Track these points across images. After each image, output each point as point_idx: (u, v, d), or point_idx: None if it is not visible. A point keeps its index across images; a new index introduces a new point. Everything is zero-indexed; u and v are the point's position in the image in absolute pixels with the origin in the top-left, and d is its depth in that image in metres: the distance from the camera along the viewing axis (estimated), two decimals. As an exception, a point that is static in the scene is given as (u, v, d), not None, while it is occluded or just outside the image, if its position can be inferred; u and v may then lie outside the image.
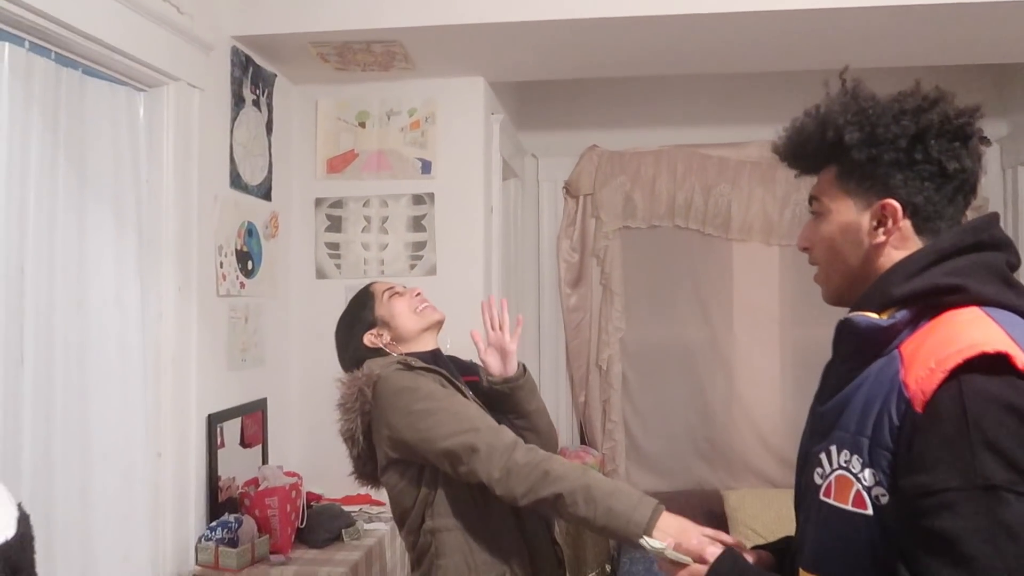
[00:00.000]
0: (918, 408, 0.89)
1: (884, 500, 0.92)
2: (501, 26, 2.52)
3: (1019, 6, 2.33)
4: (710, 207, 3.74)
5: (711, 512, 3.47)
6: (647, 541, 1.22)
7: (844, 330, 1.03)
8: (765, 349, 3.76)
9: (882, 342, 0.99)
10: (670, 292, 3.82)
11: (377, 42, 2.63)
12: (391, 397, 1.55)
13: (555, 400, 3.90)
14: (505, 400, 1.73)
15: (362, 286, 1.86)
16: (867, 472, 0.94)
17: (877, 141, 1.03)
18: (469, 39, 2.64)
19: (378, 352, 1.72)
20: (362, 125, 3.04)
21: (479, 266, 2.98)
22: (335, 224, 3.03)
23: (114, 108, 2.07)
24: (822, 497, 1.00)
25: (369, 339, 1.73)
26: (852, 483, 0.95)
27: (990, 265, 1.01)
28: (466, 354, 1.88)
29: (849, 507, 0.95)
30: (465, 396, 1.63)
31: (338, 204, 3.03)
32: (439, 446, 1.49)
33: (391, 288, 1.79)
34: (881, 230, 1.04)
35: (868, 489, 0.94)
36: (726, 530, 3.31)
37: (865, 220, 1.06)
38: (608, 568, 3.52)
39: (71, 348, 1.92)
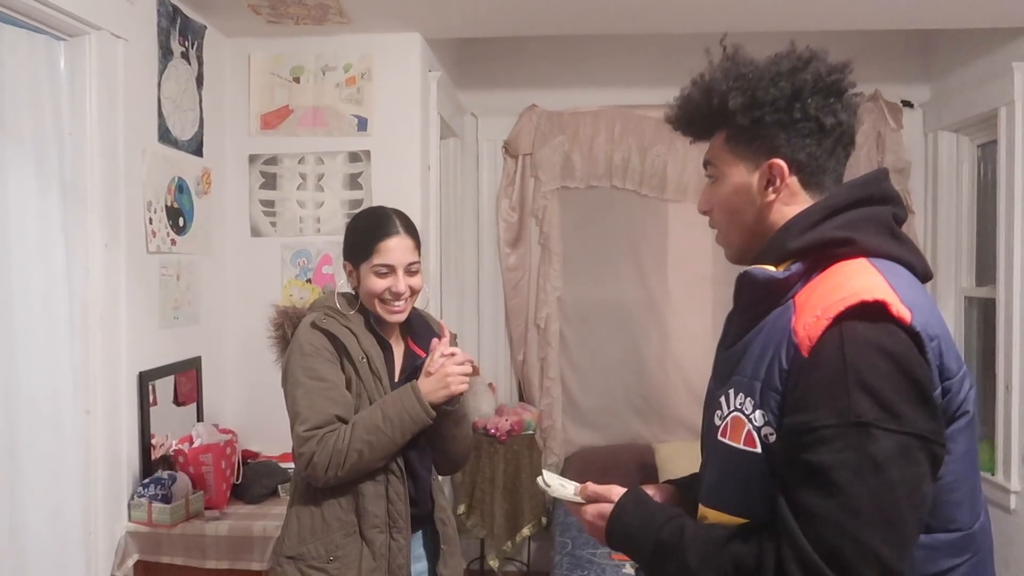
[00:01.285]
0: (804, 353, 0.95)
1: (772, 439, 0.99)
2: (436, -19, 2.50)
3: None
4: (647, 168, 3.80)
5: (643, 464, 3.60)
6: (543, 480, 1.26)
7: (743, 282, 1.09)
8: (698, 307, 3.87)
9: (778, 293, 1.05)
10: (607, 252, 3.89)
11: (309, -6, 2.59)
12: (292, 348, 1.73)
13: (494, 358, 3.96)
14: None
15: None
16: (758, 413, 1.00)
17: (759, 104, 1.07)
18: (404, -7, 2.61)
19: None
20: (296, 80, 2.99)
21: (416, 224, 2.97)
22: (270, 181, 3.00)
23: (33, 57, 2.00)
24: (719, 437, 1.06)
25: (347, 267, 1.79)
26: (744, 423, 1.02)
27: (877, 218, 1.07)
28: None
29: (740, 446, 1.02)
30: (348, 370, 1.71)
31: (272, 161, 2.99)
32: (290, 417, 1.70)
33: (386, 267, 1.72)
34: (770, 189, 1.09)
35: (758, 429, 1.00)
36: (657, 481, 3.47)
37: (755, 180, 1.11)
38: (544, 520, 3.63)
39: (-8, 303, 1.88)
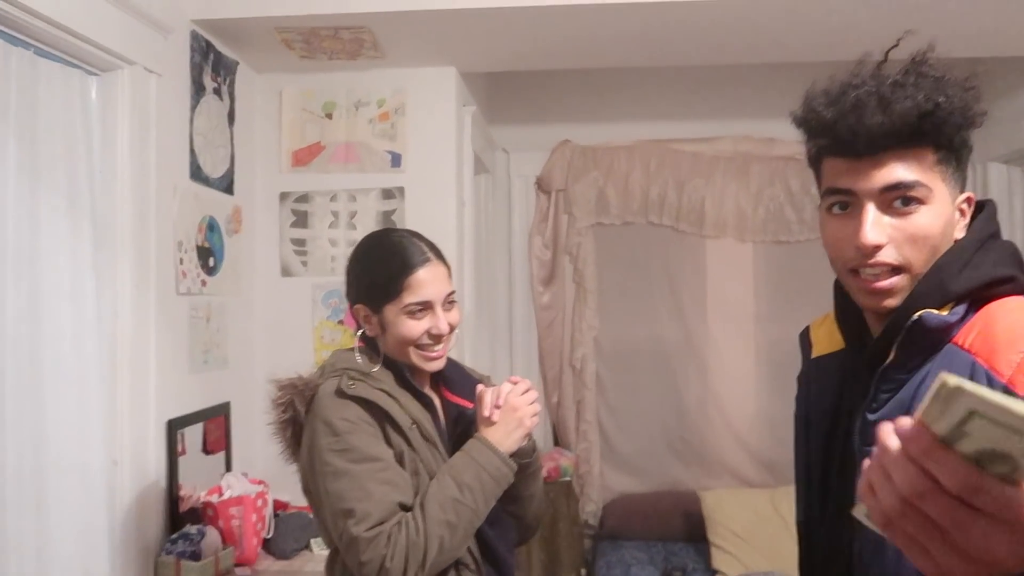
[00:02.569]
0: (1021, 392, 0.84)
1: None
2: (473, 12, 2.43)
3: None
4: (684, 203, 3.69)
5: (688, 512, 3.42)
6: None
7: (916, 331, 0.93)
8: (739, 346, 3.73)
9: (940, 339, 0.93)
10: (644, 289, 3.76)
11: (345, 28, 2.52)
12: (316, 430, 1.36)
13: (528, 400, 3.82)
14: None
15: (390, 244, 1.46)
16: None
17: (972, 126, 0.95)
18: (440, 26, 2.54)
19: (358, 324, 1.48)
20: (329, 116, 2.92)
21: (451, 263, 2.87)
22: (301, 219, 2.91)
23: (67, 91, 1.93)
24: None
25: (361, 312, 1.46)
26: None
27: (1014, 252, 0.99)
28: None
29: None
30: (397, 443, 1.37)
31: (304, 198, 2.91)
32: (327, 513, 1.34)
33: (421, 304, 1.40)
34: (962, 224, 0.99)
35: None
36: (704, 532, 3.30)
37: (956, 215, 0.98)
38: (583, 572, 3.45)
39: (22, 344, 1.77)
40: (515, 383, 1.44)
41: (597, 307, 3.73)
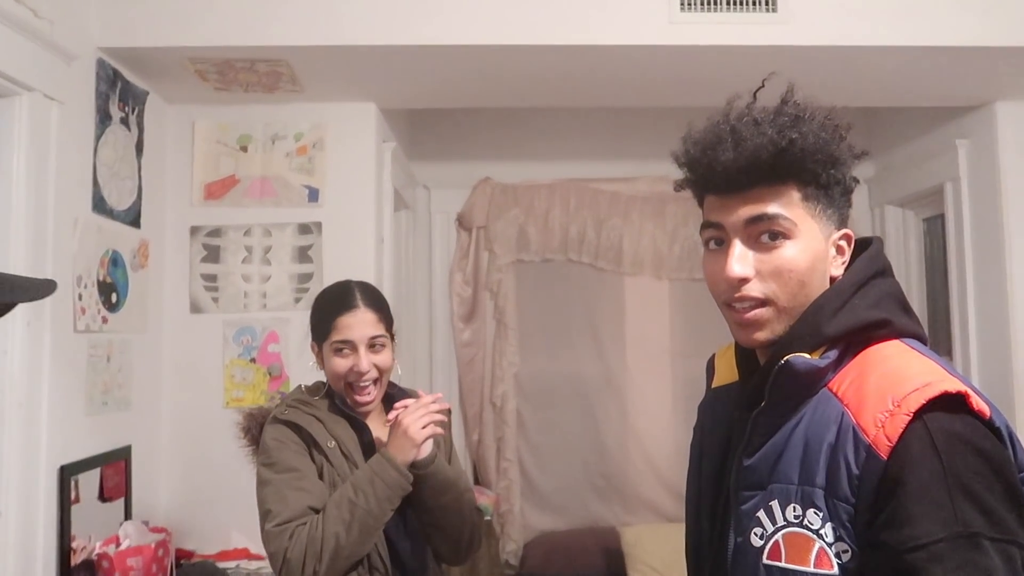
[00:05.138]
0: (883, 455, 0.83)
1: (847, 557, 0.85)
2: (393, 50, 2.43)
3: (889, 51, 2.45)
4: (602, 241, 3.75)
5: (608, 549, 3.42)
6: None
7: (784, 374, 0.93)
8: (657, 382, 3.78)
9: (813, 384, 0.93)
10: (564, 326, 3.79)
11: (262, 60, 2.48)
12: (260, 450, 1.60)
13: (447, 439, 3.77)
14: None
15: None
16: (828, 527, 0.86)
17: (839, 163, 0.95)
18: (360, 62, 2.53)
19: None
20: (244, 149, 2.85)
21: (370, 299, 2.83)
22: (212, 254, 2.81)
23: (-46, 118, 1.83)
24: (768, 561, 0.90)
25: (313, 347, 1.68)
26: (812, 541, 0.87)
27: (895, 293, 0.99)
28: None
29: (811, 569, 0.86)
30: (319, 459, 1.57)
31: (216, 233, 2.82)
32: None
33: (344, 343, 1.59)
34: (839, 261, 0.99)
35: (830, 545, 0.86)
36: (624, 568, 3.30)
37: (831, 251, 0.98)
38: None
39: None
40: (419, 399, 1.58)
41: (518, 344, 3.73)
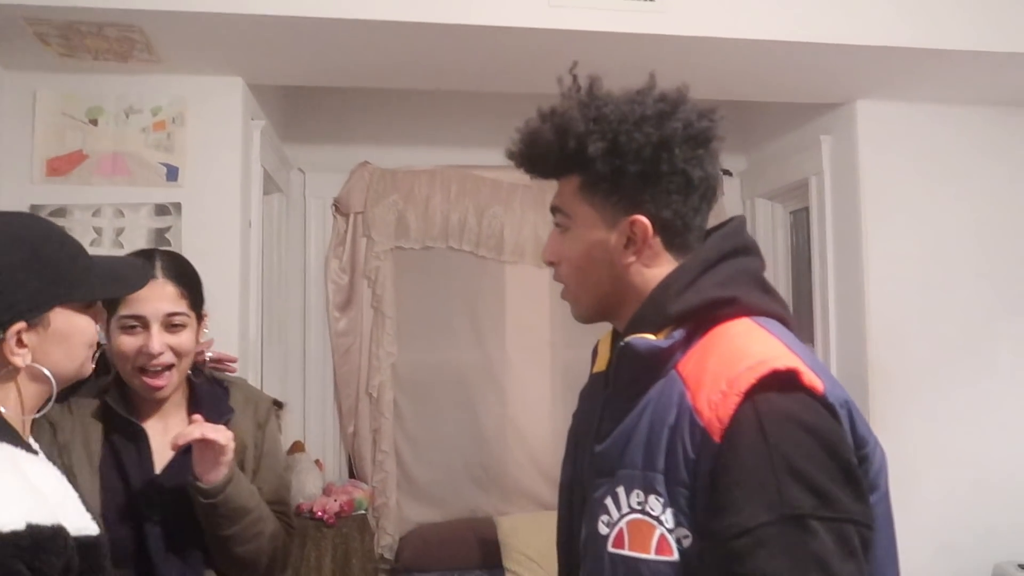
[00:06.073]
0: (716, 437, 0.82)
1: (687, 543, 0.83)
2: (259, 20, 2.28)
3: (761, 45, 2.51)
4: (483, 229, 3.71)
5: (484, 540, 3.39)
6: None
7: (625, 356, 0.93)
8: (537, 371, 3.77)
9: (660, 364, 0.91)
10: (444, 315, 3.72)
11: (111, 25, 2.27)
12: None
13: (322, 432, 3.64)
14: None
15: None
16: (668, 513, 0.84)
17: (621, 151, 0.94)
18: (224, 32, 2.36)
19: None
20: (94, 122, 2.62)
21: (235, 287, 2.67)
22: (56, 235, 2.57)
23: None
24: (612, 549, 0.88)
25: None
26: (653, 527, 0.85)
27: (751, 271, 0.99)
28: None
29: (651, 556, 0.85)
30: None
31: (61, 212, 2.58)
32: None
33: (135, 318, 1.35)
34: (630, 249, 0.97)
35: (671, 531, 0.84)
36: (499, 557, 3.28)
37: (613, 238, 0.98)
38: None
39: None
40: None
41: (396, 333, 3.63)
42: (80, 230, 2.58)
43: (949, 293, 3.04)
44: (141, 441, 1.41)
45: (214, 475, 1.33)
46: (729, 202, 3.90)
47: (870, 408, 2.95)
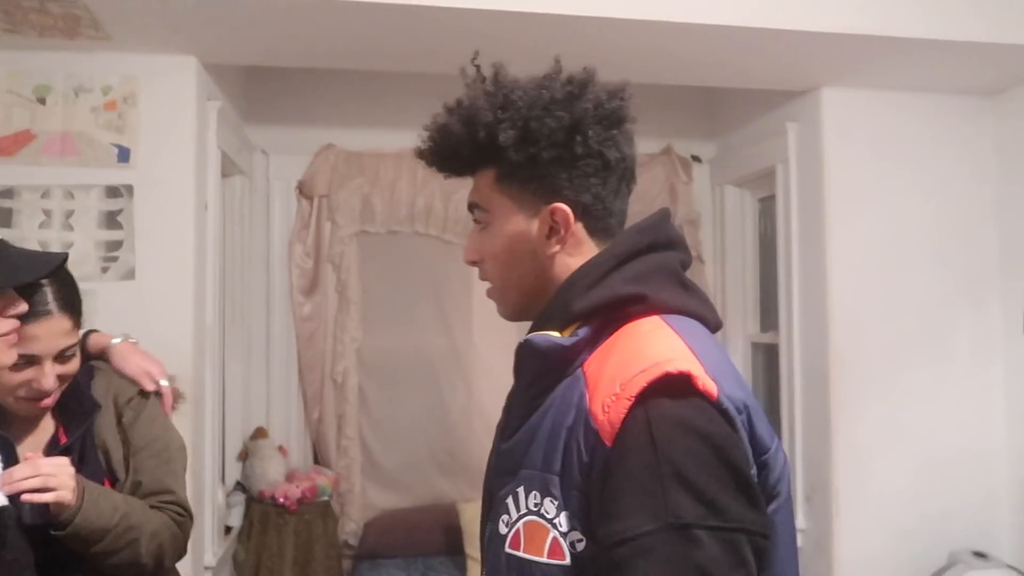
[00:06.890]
0: (607, 441, 0.79)
1: (581, 547, 0.81)
2: (210, -3, 2.22)
3: (728, 31, 2.48)
4: (450, 213, 3.67)
5: (448, 526, 3.39)
6: None
7: (524, 353, 0.92)
8: (504, 358, 3.66)
9: (564, 362, 0.89)
10: (409, 300, 3.69)
11: (52, 0, 2.21)
12: None
13: (286, 418, 3.61)
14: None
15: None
16: (563, 516, 0.82)
17: (533, 138, 0.91)
18: (175, 9, 2.30)
19: None
20: (41, 101, 2.56)
21: (189, 270, 2.62)
22: (3, 218, 2.51)
23: None
24: (508, 549, 0.86)
25: None
26: (546, 530, 0.83)
27: (666, 267, 0.95)
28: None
29: (544, 559, 0.82)
30: None
31: (7, 194, 2.52)
32: None
33: (28, 358, 1.26)
34: (554, 238, 0.95)
35: (564, 535, 0.82)
36: (462, 543, 3.27)
37: (535, 228, 0.95)
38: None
39: None
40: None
41: (360, 318, 3.60)
42: (28, 212, 2.53)
43: (909, 280, 3.04)
44: (6, 449, 1.33)
45: (56, 509, 1.23)
46: (699, 188, 3.89)
47: (831, 394, 2.96)
